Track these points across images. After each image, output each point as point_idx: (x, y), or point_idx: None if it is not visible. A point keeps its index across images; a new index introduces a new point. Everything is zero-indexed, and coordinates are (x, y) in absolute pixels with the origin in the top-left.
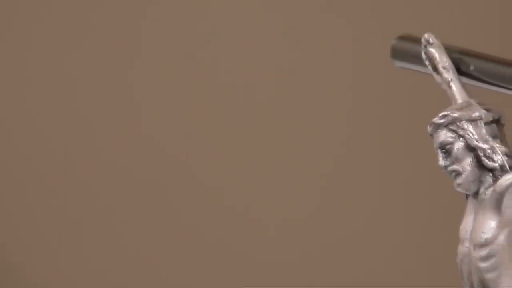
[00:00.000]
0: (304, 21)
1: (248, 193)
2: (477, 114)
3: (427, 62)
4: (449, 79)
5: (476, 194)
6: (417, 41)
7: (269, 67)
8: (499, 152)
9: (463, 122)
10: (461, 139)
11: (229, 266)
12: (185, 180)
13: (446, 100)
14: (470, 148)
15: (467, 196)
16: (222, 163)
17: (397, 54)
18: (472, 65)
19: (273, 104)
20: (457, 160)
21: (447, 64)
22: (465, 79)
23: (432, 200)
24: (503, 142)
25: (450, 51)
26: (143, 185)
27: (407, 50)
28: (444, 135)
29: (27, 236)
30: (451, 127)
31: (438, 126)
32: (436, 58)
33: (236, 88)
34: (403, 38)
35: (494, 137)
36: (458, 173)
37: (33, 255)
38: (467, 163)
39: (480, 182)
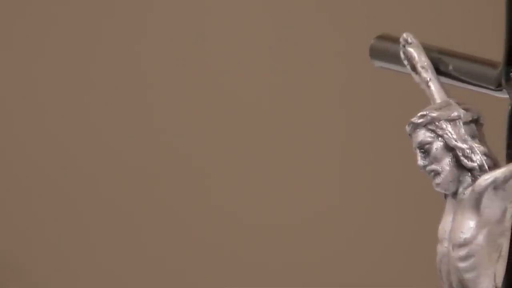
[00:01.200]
0: (301, 21)
1: (245, 194)
2: (455, 113)
3: (405, 62)
4: (428, 79)
5: (455, 194)
6: (396, 40)
7: (267, 67)
8: (478, 152)
9: (441, 121)
10: (439, 138)
11: (227, 267)
12: (185, 180)
13: (425, 99)
14: (449, 148)
15: (445, 196)
16: (220, 164)
17: (376, 53)
18: (451, 65)
19: (270, 105)
20: (436, 160)
21: (425, 63)
22: (444, 79)
23: (429, 199)
24: (482, 142)
25: (429, 50)
26: (144, 185)
27: (386, 50)
28: (423, 135)
29: (27, 236)
30: (430, 126)
31: (416, 126)
32: (414, 57)
33: (234, 88)
34: (381, 37)
35: (473, 137)
36: (436, 173)
37: (33, 255)
38: (446, 162)
39: (459, 182)
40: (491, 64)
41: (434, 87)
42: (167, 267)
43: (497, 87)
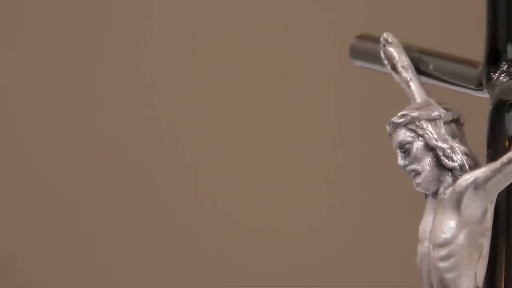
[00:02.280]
0: (298, 21)
1: (245, 195)
2: (436, 113)
3: (386, 62)
4: (408, 78)
5: (435, 193)
6: (376, 40)
7: (265, 69)
8: (458, 151)
9: (422, 121)
10: (420, 138)
11: (225, 268)
12: (184, 180)
13: (405, 99)
14: (429, 148)
15: (426, 195)
16: (218, 165)
17: (356, 53)
18: (432, 64)
19: (267, 106)
20: (416, 159)
21: (406, 63)
22: (424, 78)
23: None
24: (462, 141)
25: (409, 50)
26: (144, 186)
27: (366, 50)
28: (403, 135)
29: (27, 236)
30: (410, 126)
31: (397, 126)
32: (395, 57)
33: (233, 89)
34: (362, 37)
35: (453, 136)
36: (417, 173)
37: (33, 255)
38: (426, 162)
39: (439, 181)
40: (471, 64)
41: (415, 87)
42: (166, 268)
43: (477, 87)
